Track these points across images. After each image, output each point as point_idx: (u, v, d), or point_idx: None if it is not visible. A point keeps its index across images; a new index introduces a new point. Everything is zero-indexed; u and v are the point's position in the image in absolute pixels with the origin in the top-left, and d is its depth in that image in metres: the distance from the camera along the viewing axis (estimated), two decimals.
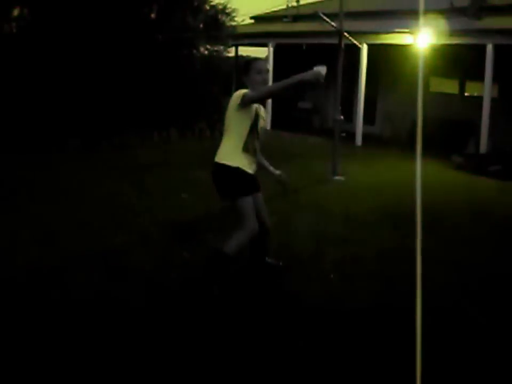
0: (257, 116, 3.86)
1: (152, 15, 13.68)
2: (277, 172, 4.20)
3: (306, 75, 3.58)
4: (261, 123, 3.95)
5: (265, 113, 4.09)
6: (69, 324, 3.33)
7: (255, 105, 3.84)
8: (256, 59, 4.05)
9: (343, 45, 8.94)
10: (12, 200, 6.35)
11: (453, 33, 11.48)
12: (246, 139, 3.80)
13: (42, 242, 4.84)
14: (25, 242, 4.81)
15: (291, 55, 16.10)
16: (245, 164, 3.82)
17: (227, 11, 14.39)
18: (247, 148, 3.82)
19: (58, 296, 3.72)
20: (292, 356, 3.08)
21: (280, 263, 4.37)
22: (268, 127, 14.65)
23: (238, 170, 3.79)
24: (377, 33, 12.84)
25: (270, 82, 15.67)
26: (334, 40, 9.17)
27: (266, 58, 15.32)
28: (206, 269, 3.88)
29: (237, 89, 3.95)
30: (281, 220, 5.65)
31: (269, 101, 14.85)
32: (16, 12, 12.79)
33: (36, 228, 5.26)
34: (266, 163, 4.19)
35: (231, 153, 3.82)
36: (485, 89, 11.32)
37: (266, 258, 4.29)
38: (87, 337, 3.17)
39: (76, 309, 3.52)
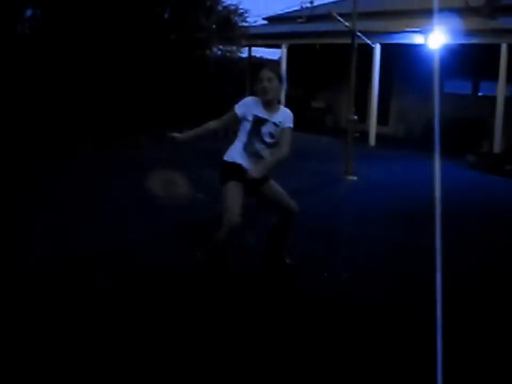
0: (257, 121, 3.87)
1: (166, 16, 13.77)
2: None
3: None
4: (269, 128, 3.90)
5: (285, 119, 3.96)
6: (81, 320, 3.36)
7: (256, 110, 3.88)
8: (263, 66, 4.01)
9: (356, 45, 8.94)
10: (27, 199, 6.42)
11: (467, 32, 11.42)
12: (246, 141, 3.92)
13: (56, 240, 4.88)
14: (39, 240, 4.85)
15: (305, 56, 16.11)
16: (240, 159, 3.90)
17: (239, 12, 14.47)
18: (246, 149, 3.93)
19: (71, 293, 3.75)
20: (306, 353, 3.10)
21: (296, 263, 4.40)
22: None
23: (227, 162, 3.92)
24: (390, 32, 12.81)
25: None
26: (347, 40, 9.17)
27: (279, 60, 15.33)
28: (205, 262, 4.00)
29: (251, 89, 4.00)
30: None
31: (282, 101, 14.86)
32: (29, 13, 12.93)
33: (50, 226, 5.30)
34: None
35: (232, 150, 3.97)
36: (499, 89, 11.25)
37: (286, 259, 4.32)
38: (98, 334, 3.20)
39: (88, 306, 3.55)
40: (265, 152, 3.95)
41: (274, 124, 3.91)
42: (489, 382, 2.91)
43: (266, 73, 3.88)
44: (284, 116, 3.98)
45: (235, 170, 3.87)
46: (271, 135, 3.92)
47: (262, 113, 3.89)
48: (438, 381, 1.81)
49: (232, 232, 3.74)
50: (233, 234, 3.78)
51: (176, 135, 3.90)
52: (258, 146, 3.92)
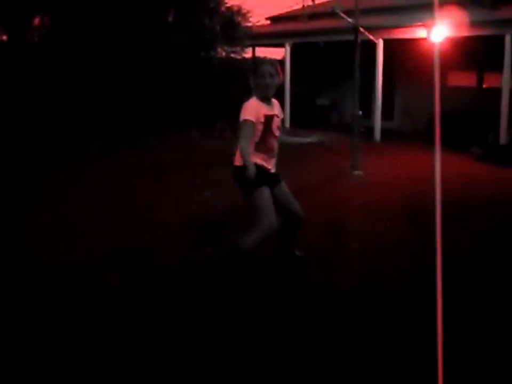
0: (268, 119, 3.89)
1: (169, 18, 13.87)
2: (308, 139, 4.43)
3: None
4: (276, 122, 3.98)
5: (279, 109, 4.12)
6: (95, 320, 3.42)
7: (263, 110, 3.87)
8: (263, 62, 3.98)
9: (359, 41, 8.99)
10: (39, 200, 6.51)
11: (470, 24, 11.42)
12: (258, 141, 3.87)
13: (69, 241, 4.96)
14: (52, 241, 4.94)
15: (308, 54, 16.15)
16: (257, 161, 3.84)
17: (242, 12, 14.55)
18: (260, 149, 3.89)
19: (84, 293, 3.81)
20: (318, 347, 3.16)
21: (302, 254, 4.46)
22: (287, 125, 14.68)
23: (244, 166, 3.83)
24: (392, 27, 12.83)
25: (287, 82, 15.45)
26: (350, 37, 9.23)
27: (283, 59, 15.37)
28: (226, 265, 3.95)
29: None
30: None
31: (287, 99, 14.94)
32: (37, 21, 13.10)
33: (63, 227, 5.39)
34: (293, 139, 4.48)
35: None
36: (503, 81, 11.26)
37: (295, 251, 4.37)
38: (113, 333, 3.26)
39: (102, 306, 3.61)
40: (276, 145, 4.03)
41: (277, 116, 4.02)
42: (493, 381, 2.89)
43: (268, 69, 3.90)
44: (278, 107, 4.13)
45: (260, 173, 3.80)
46: (278, 128, 4.03)
47: (268, 110, 3.93)
48: (441, 378, 1.84)
49: (267, 239, 3.85)
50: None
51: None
52: (272, 141, 3.97)
